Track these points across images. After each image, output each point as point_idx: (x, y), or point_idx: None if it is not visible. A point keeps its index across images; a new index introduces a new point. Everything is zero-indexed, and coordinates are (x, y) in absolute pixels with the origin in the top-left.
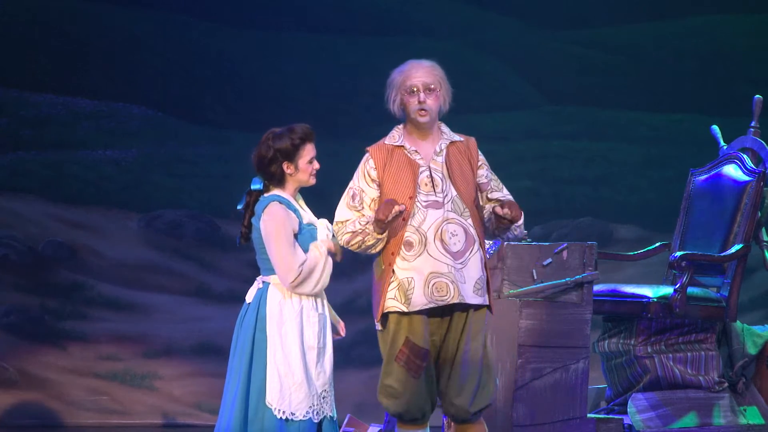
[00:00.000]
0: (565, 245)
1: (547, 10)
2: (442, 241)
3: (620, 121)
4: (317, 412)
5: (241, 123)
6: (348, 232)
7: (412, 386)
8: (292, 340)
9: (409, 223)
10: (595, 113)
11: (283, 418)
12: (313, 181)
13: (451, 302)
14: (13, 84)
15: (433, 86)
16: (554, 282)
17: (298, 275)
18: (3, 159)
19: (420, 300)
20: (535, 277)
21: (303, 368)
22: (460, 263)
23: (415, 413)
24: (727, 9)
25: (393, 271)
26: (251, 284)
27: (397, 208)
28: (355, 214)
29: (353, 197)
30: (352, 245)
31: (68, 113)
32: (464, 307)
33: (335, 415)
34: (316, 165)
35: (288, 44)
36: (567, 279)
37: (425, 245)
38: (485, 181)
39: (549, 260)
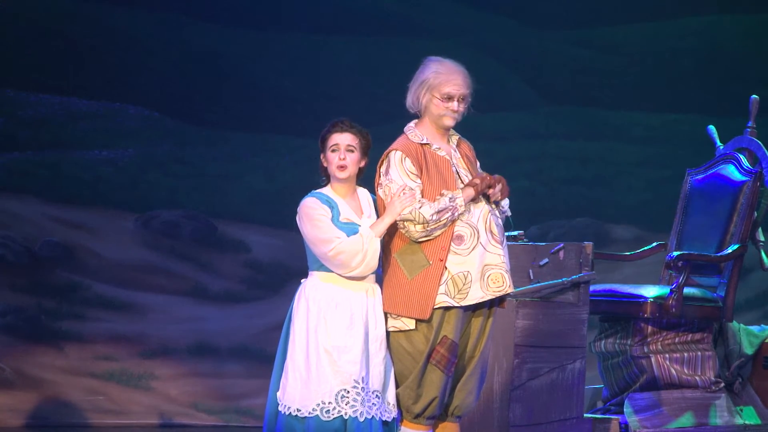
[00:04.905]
0: (561, 245)
1: (544, 11)
2: (491, 232)
3: (617, 121)
4: (328, 411)
5: (237, 123)
6: (436, 212)
7: (443, 384)
8: (301, 337)
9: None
10: (592, 113)
11: (286, 413)
12: (337, 172)
13: (506, 292)
14: (10, 84)
15: (465, 96)
16: (551, 282)
17: (334, 246)
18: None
19: (477, 294)
20: (532, 277)
21: (313, 365)
22: (505, 253)
23: (437, 410)
24: (724, 9)
25: (445, 266)
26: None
27: (490, 179)
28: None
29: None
30: (440, 223)
31: (65, 113)
32: (490, 301)
33: (376, 416)
34: (341, 155)
35: (286, 44)
36: (564, 279)
37: (478, 238)
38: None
39: (545, 260)
